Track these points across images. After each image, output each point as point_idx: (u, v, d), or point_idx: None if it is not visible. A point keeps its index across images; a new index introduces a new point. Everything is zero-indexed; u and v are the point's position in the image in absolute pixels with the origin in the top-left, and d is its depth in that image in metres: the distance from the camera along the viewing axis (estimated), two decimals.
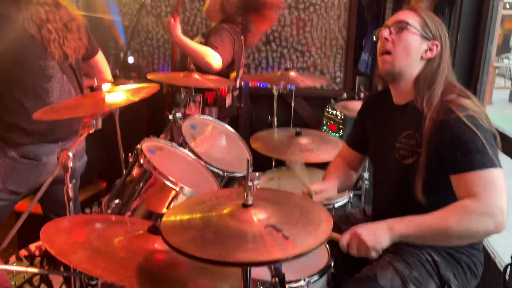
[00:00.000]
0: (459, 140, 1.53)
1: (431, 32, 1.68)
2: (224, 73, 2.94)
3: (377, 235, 1.52)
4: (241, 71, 3.32)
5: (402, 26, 1.68)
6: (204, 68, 2.77)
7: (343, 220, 2.01)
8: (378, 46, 1.76)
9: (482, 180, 1.49)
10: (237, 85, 3.34)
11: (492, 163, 1.50)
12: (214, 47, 2.80)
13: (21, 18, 2.07)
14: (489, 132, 1.56)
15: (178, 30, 2.73)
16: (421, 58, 1.68)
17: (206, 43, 2.89)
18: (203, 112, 3.05)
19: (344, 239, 1.57)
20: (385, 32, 1.70)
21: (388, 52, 1.70)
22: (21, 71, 2.09)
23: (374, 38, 1.79)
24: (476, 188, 1.48)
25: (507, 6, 10.12)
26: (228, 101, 3.24)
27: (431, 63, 1.68)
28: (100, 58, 2.51)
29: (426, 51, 1.68)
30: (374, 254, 1.53)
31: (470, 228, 1.47)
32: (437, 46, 1.68)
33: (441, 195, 1.63)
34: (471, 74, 2.61)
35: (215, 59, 2.77)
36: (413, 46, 1.68)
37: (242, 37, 3.16)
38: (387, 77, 1.74)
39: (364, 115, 2.00)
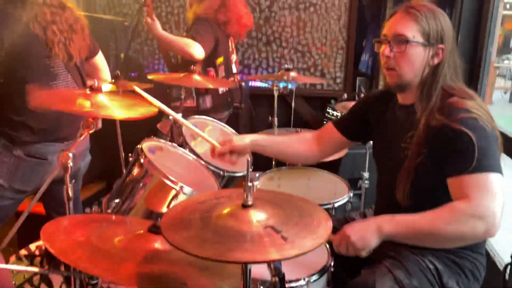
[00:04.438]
0: (458, 143, 1.51)
1: (434, 37, 1.63)
2: (209, 59, 3.10)
3: (366, 236, 1.52)
4: (234, 58, 3.43)
5: (401, 41, 1.62)
6: (187, 58, 2.94)
7: (342, 224, 1.99)
8: (380, 59, 1.71)
9: (475, 183, 1.47)
10: (234, 71, 3.43)
11: (488, 168, 1.48)
12: (193, 38, 2.95)
13: (26, 18, 2.09)
14: (492, 135, 1.53)
15: (157, 27, 2.92)
16: (428, 65, 1.65)
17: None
18: (197, 102, 3.16)
19: (335, 240, 1.58)
20: (386, 50, 1.64)
21: (393, 69, 1.66)
22: (27, 70, 2.11)
23: (375, 49, 1.75)
24: (468, 190, 1.46)
25: (508, 6, 10.10)
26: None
27: (437, 66, 1.65)
28: (100, 59, 2.54)
29: (432, 57, 1.64)
30: (364, 254, 1.54)
31: (458, 230, 1.45)
32: (442, 49, 1.64)
33: (428, 199, 1.62)
34: (472, 75, 2.61)
35: (195, 49, 2.91)
36: (417, 59, 1.63)
37: (224, 28, 3.26)
38: (395, 89, 1.73)
39: (368, 108, 1.95)
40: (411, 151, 1.64)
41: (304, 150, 2.05)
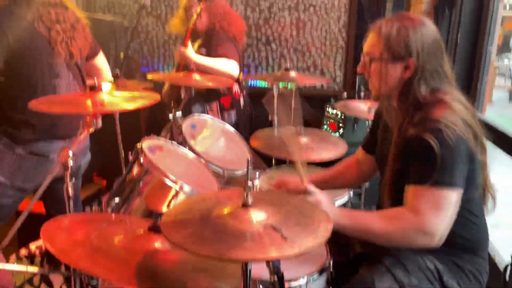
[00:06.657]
0: (420, 151, 1.53)
1: (401, 51, 1.63)
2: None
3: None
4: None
5: (370, 59, 1.69)
6: (227, 79, 2.89)
7: None
8: None
9: (429, 198, 1.50)
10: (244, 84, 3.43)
11: (447, 183, 1.50)
12: (225, 55, 2.92)
13: (30, 16, 2.10)
14: (456, 146, 1.51)
15: (192, 54, 2.85)
16: (402, 78, 1.66)
17: (209, 53, 2.98)
18: (222, 118, 3.13)
19: (312, 195, 1.60)
20: (360, 68, 1.74)
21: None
22: (31, 68, 2.12)
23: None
24: (420, 204, 1.51)
25: (507, 7, 10.10)
26: (242, 101, 3.30)
27: (410, 79, 1.65)
28: (101, 59, 2.55)
29: (404, 70, 1.65)
30: None
31: (404, 239, 1.54)
32: (412, 62, 1.63)
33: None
34: (471, 75, 2.61)
35: (233, 68, 2.93)
36: (388, 75, 1.67)
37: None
38: (374, 99, 1.82)
39: (377, 118, 1.99)
40: (389, 159, 1.68)
41: (349, 177, 2.12)
